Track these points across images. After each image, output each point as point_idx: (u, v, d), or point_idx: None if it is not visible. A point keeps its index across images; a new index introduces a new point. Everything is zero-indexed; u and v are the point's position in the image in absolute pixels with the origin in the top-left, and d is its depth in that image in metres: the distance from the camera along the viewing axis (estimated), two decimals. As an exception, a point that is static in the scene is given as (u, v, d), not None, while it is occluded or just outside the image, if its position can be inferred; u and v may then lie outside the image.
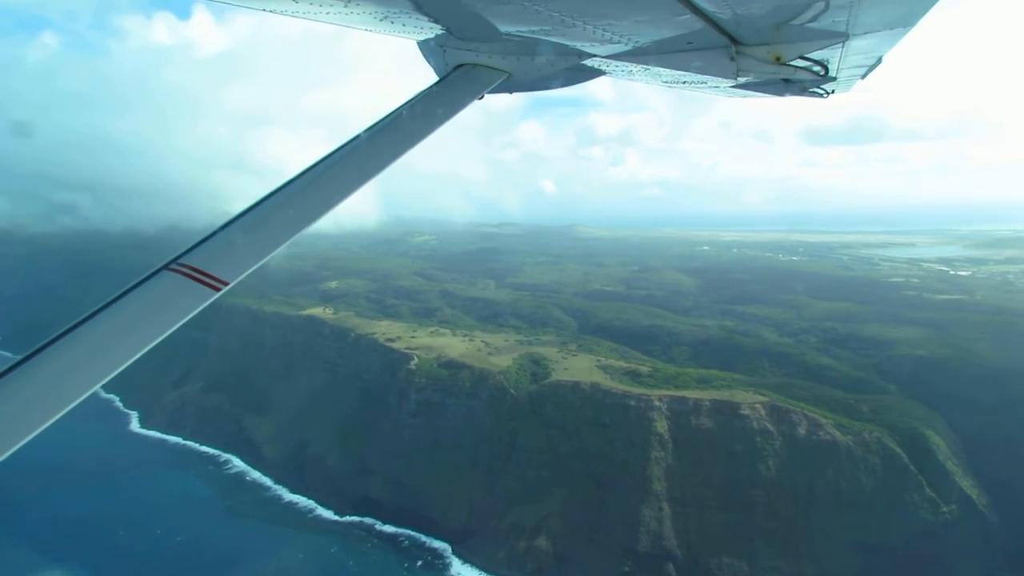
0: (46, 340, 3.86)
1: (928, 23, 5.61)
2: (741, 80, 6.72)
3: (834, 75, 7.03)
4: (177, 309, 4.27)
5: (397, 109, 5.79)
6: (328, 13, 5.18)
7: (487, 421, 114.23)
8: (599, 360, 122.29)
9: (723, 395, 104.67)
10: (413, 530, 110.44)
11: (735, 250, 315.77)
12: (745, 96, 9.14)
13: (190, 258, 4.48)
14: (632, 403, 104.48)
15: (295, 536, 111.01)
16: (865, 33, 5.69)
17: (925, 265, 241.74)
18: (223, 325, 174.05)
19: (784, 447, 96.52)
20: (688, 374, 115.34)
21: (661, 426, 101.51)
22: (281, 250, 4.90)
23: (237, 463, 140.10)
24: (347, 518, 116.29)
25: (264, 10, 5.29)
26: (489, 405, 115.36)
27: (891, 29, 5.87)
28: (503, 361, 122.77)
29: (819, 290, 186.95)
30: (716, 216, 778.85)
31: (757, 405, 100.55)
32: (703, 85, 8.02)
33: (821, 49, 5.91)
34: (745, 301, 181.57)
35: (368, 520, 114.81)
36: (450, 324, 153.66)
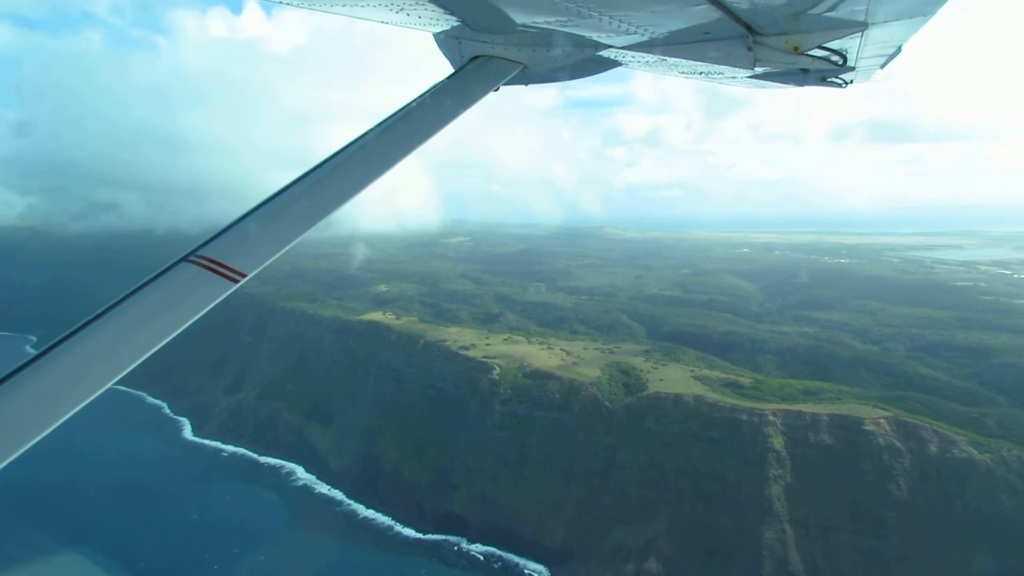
0: (67, 332, 3.83)
1: (949, 18, 4.15)
2: (759, 70, 6.58)
3: (853, 65, 6.91)
4: (196, 301, 4.23)
5: (414, 100, 5.67)
6: (344, 5, 5.23)
7: (581, 435, 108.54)
8: (692, 370, 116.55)
9: (840, 409, 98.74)
10: (504, 550, 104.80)
11: (777, 252, 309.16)
12: (763, 87, 9.13)
13: (208, 250, 4.41)
14: (743, 417, 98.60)
15: (379, 556, 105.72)
16: (884, 22, 5.51)
17: (983, 268, 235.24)
18: (277, 330, 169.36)
19: (915, 466, 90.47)
20: (792, 385, 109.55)
21: (777, 442, 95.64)
22: (298, 242, 4.75)
23: (302, 474, 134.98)
24: (430, 536, 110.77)
25: (281, 2, 5.11)
26: (582, 418, 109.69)
27: (911, 18, 5.72)
28: (591, 371, 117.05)
29: (887, 295, 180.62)
30: (741, 217, 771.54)
31: (881, 420, 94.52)
32: (720, 76, 7.91)
33: (839, 39, 5.76)
34: (815, 306, 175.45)
35: (453, 538, 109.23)
36: (521, 331, 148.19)
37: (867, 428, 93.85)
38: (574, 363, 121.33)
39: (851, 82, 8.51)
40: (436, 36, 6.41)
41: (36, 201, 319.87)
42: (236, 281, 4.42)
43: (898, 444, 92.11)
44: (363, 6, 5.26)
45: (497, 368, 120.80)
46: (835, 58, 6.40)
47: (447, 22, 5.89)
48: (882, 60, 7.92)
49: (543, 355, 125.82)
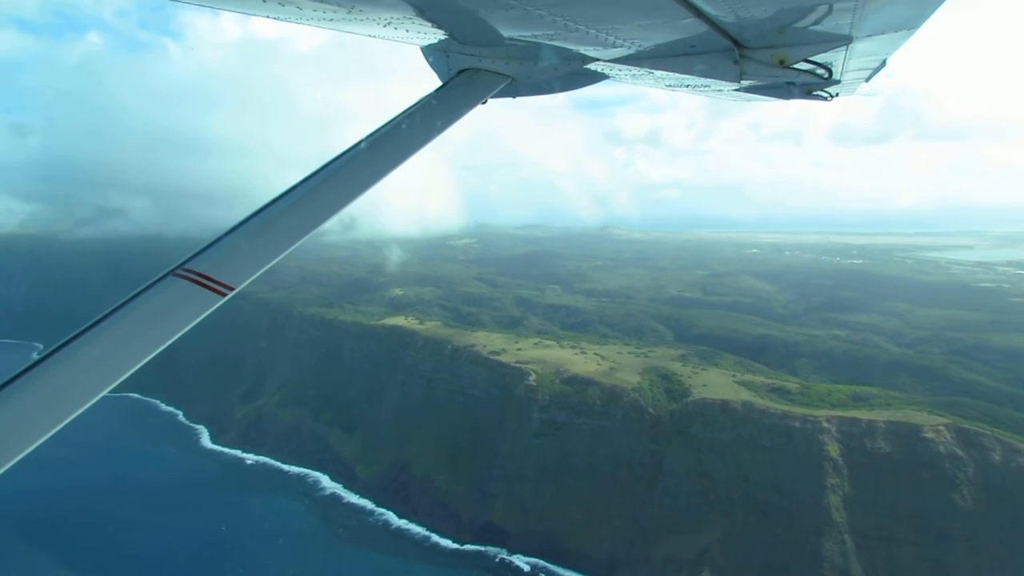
0: (54, 346, 3.86)
1: (936, 24, 5.09)
2: (745, 83, 6.62)
3: (838, 78, 6.96)
4: (184, 314, 4.26)
5: (401, 114, 5.72)
6: (331, 20, 5.19)
7: (625, 443, 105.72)
8: (734, 375, 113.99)
9: (895, 416, 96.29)
10: (548, 561, 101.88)
11: (787, 253, 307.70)
12: (749, 100, 9.30)
13: (196, 263, 4.45)
14: (797, 424, 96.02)
15: (420, 569, 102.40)
16: (869, 36, 5.59)
17: (1000, 269, 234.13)
18: (295, 335, 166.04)
19: (978, 475, 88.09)
20: (841, 391, 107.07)
21: (833, 450, 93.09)
22: (286, 255, 4.77)
23: (327, 483, 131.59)
24: (468, 547, 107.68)
25: (268, 16, 5.16)
26: (625, 425, 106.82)
27: (895, 32, 5.79)
28: (630, 377, 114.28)
29: (912, 296, 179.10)
30: (741, 217, 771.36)
31: (941, 427, 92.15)
32: (707, 88, 8.05)
33: (825, 52, 5.81)
34: (840, 308, 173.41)
35: (492, 549, 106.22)
36: (549, 335, 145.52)
37: (926, 436, 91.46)
38: (612, 368, 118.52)
39: (837, 95, 8.53)
40: (424, 50, 6.39)
41: (40, 208, 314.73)
42: (224, 295, 4.36)
43: (959, 452, 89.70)
44: (351, 21, 5.21)
45: (533, 374, 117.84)
46: (820, 71, 6.44)
47: (434, 36, 5.85)
48: (867, 73, 8.02)
49: (579, 360, 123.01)
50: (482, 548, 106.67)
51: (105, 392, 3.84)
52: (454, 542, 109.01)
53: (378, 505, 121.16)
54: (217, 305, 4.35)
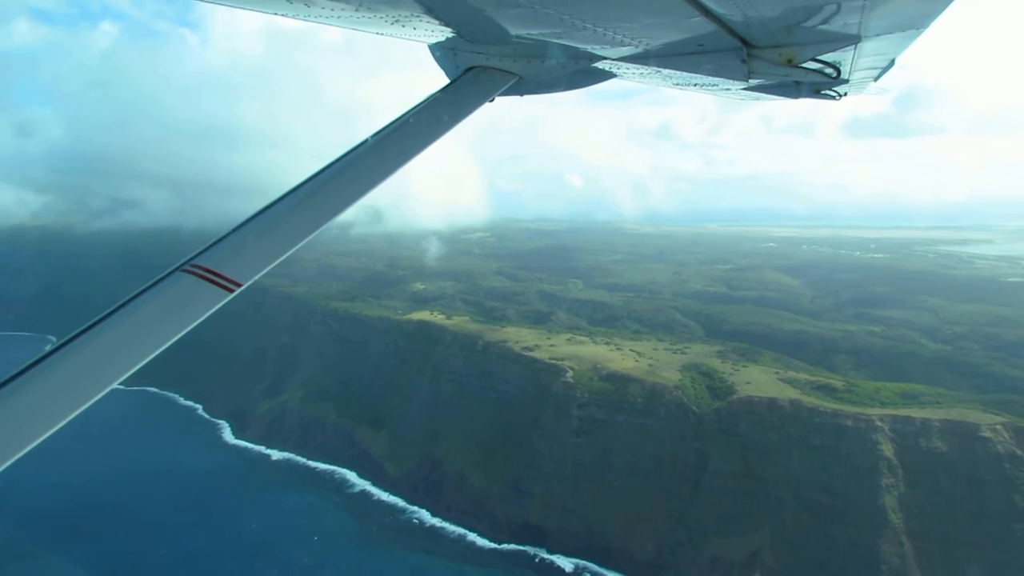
0: (62, 340, 3.86)
1: (945, 19, 5.38)
2: (753, 82, 6.57)
3: (846, 77, 6.89)
4: (191, 310, 4.24)
5: (409, 111, 5.71)
6: (339, 17, 5.19)
7: (668, 441, 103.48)
8: (776, 372, 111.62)
9: (950, 414, 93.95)
10: (590, 561, 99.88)
11: (804, 247, 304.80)
12: (757, 99, 9.37)
13: (204, 259, 4.43)
14: (848, 423, 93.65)
15: (461, 569, 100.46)
16: (877, 35, 5.59)
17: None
18: (318, 330, 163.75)
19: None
20: (889, 389, 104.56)
21: (887, 449, 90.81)
22: (293, 252, 4.73)
23: (356, 480, 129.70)
24: (505, 546, 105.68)
25: (276, 13, 5.20)
26: (667, 423, 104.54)
27: (903, 31, 5.80)
28: (670, 374, 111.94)
29: (942, 291, 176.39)
30: (750, 210, 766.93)
31: (999, 426, 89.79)
32: (715, 87, 8.02)
33: (833, 51, 5.78)
34: (871, 303, 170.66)
35: (531, 549, 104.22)
36: (581, 331, 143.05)
37: (984, 435, 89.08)
38: (651, 365, 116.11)
39: (845, 94, 8.54)
40: (431, 47, 6.38)
41: (53, 199, 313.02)
42: (231, 291, 4.31)
43: (1019, 452, 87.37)
44: (359, 19, 5.22)
45: (570, 371, 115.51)
46: (829, 71, 6.36)
47: (442, 34, 5.86)
48: (875, 73, 7.98)
49: (615, 357, 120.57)
50: (520, 547, 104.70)
51: (112, 387, 3.76)
52: (491, 541, 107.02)
53: (410, 503, 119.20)
54: (224, 301, 4.25)
